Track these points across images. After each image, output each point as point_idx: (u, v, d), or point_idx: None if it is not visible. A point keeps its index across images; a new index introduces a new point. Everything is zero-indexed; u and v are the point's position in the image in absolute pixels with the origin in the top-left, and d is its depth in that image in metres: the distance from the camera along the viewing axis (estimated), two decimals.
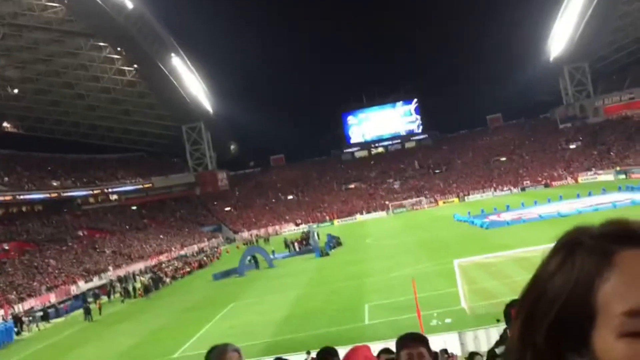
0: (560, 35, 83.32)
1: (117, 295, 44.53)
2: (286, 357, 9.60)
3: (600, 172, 74.67)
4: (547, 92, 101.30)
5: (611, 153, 79.42)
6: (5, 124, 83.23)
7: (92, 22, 65.78)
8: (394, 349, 3.30)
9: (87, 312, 36.22)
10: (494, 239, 36.73)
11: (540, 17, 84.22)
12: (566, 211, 43.81)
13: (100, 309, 37.53)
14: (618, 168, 72.22)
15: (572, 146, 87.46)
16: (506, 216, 49.80)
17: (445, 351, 11.43)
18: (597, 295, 0.78)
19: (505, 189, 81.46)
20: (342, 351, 4.19)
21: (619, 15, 77.81)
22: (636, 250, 0.79)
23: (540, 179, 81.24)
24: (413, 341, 3.12)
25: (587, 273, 0.80)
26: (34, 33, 66.66)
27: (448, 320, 20.31)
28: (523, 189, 79.39)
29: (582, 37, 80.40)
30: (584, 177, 75.44)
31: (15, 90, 76.52)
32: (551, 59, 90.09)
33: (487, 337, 16.32)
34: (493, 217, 50.70)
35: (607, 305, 0.77)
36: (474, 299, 21.35)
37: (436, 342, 14.07)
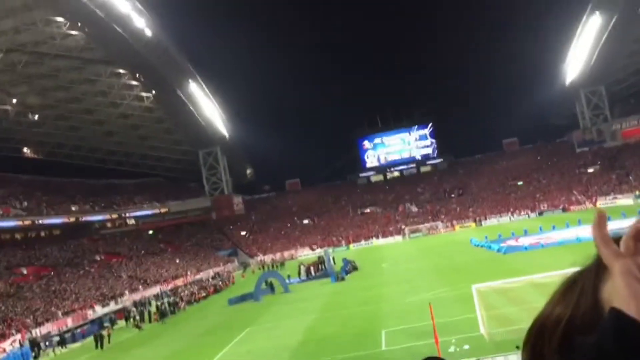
0: (576, 59, 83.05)
1: (132, 320, 43.90)
2: None
3: (620, 196, 73.83)
4: (564, 115, 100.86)
5: (630, 177, 78.47)
6: (25, 150, 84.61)
7: (111, 49, 66.90)
8: None
9: (98, 340, 34.91)
10: (512, 264, 36.33)
11: (556, 41, 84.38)
12: (585, 236, 43.14)
13: (109, 336, 36.05)
14: (637, 192, 71.38)
15: (590, 170, 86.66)
16: (524, 241, 49.20)
17: None
18: (602, 294, 0.84)
19: (522, 213, 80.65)
20: None
21: (634, 39, 77.57)
22: None
23: (557, 203, 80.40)
24: None
25: (588, 282, 0.88)
26: (55, 60, 67.85)
27: (466, 347, 20.00)
28: (541, 214, 78.53)
29: (598, 60, 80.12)
30: (603, 202, 74.43)
31: (36, 117, 77.76)
32: (567, 82, 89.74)
33: None
34: (510, 242, 50.17)
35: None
36: (493, 325, 21.03)
37: None
